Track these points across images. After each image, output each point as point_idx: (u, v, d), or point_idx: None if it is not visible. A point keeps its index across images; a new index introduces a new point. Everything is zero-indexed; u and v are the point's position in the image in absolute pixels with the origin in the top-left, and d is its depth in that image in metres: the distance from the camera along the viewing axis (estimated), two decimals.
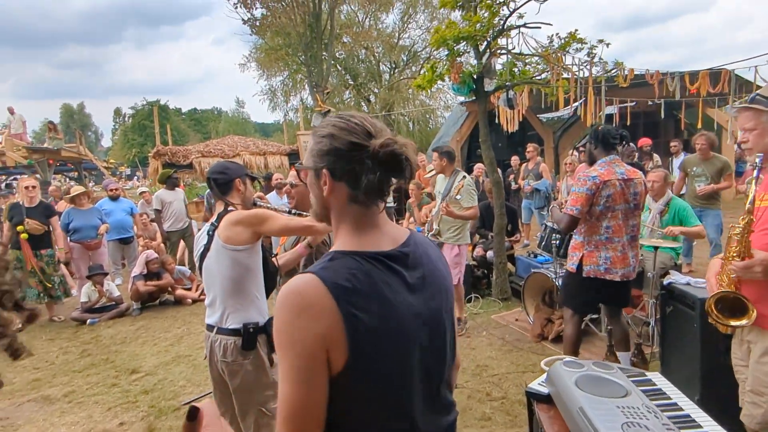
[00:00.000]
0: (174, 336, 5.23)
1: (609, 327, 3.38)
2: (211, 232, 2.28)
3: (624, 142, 3.44)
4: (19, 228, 5.65)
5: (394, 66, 25.55)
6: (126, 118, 54.73)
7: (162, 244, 7.88)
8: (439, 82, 5.37)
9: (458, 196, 4.35)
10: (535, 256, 5.41)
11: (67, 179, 19.91)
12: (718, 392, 2.49)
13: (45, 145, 15.12)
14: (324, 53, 16.05)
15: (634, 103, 10.53)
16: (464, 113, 14.15)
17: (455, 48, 4.81)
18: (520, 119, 9.70)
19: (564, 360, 1.80)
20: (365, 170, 0.98)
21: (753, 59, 7.81)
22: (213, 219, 2.33)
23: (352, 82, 24.82)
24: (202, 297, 6.39)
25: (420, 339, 1.01)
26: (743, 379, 2.07)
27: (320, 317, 0.90)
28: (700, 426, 1.50)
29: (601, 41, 4.84)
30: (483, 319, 5.01)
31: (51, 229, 5.99)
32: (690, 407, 1.59)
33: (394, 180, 1.02)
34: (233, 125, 46.68)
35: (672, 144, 8.06)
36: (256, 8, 15.86)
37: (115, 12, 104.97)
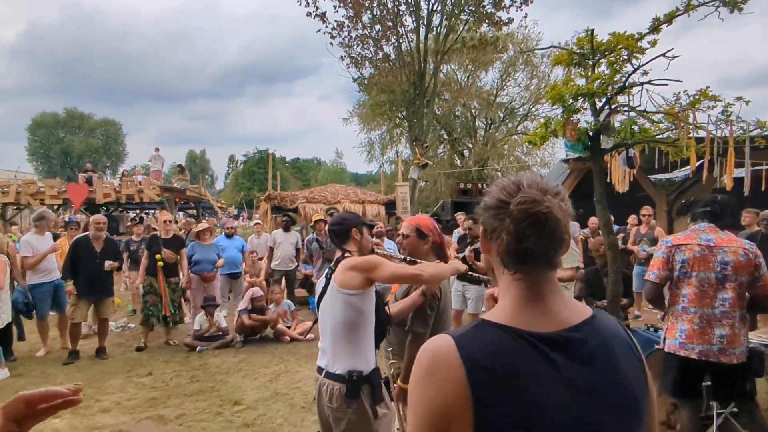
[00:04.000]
0: (272, 372, 5.39)
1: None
2: (329, 276, 2.37)
3: (724, 211, 3.08)
4: (157, 257, 6.31)
5: (490, 122, 25.72)
6: (238, 164, 60.27)
7: (264, 281, 8.34)
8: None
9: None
10: (656, 330, 4.88)
11: (188, 216, 22.09)
12: None
13: (174, 185, 17.04)
14: (425, 109, 16.61)
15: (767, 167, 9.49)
16: (566, 170, 13.67)
17: (571, 104, 4.72)
18: (632, 179, 9.15)
19: None
20: (504, 230, 0.90)
21: None
22: (332, 264, 2.43)
23: (446, 137, 25.29)
24: (300, 337, 6.58)
25: None
26: None
27: (445, 387, 0.84)
28: None
29: (739, 98, 4.47)
30: None
31: (179, 258, 6.62)
32: None
33: (536, 244, 0.88)
34: (331, 174, 49.51)
35: None
36: (366, 68, 16.99)
37: (240, 72, 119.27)
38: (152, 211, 21.20)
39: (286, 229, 8.00)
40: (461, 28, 16.79)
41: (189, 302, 7.63)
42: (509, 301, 0.92)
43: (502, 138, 24.46)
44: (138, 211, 21.10)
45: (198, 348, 6.26)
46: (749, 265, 2.79)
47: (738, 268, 2.78)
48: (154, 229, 8.51)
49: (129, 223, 16.05)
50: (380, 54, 16.38)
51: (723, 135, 4.88)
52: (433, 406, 0.85)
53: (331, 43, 16.39)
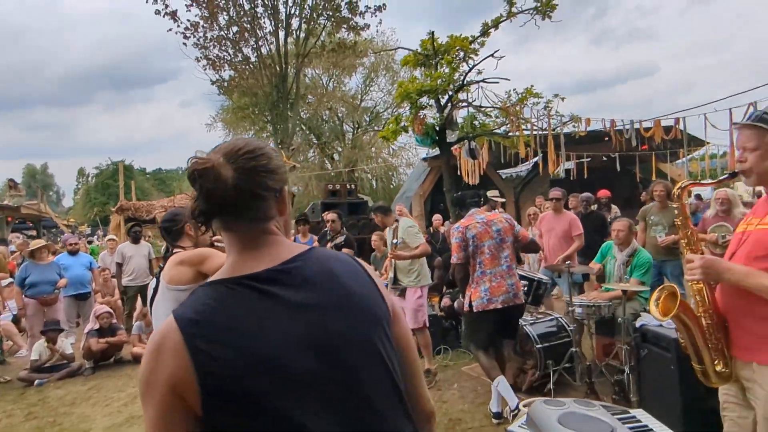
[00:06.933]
0: (128, 395, 4.92)
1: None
2: (158, 275, 2.23)
3: (482, 200, 4.14)
4: None
5: (357, 126, 26.46)
6: (90, 178, 53.43)
7: (119, 301, 7.55)
8: (401, 140, 5.65)
9: (395, 241, 4.59)
10: None
11: (25, 237, 19.02)
12: None
13: (5, 202, 14.62)
14: (289, 113, 16.49)
15: (589, 159, 11.25)
16: (426, 169, 14.64)
17: (418, 101, 5.10)
18: (481, 173, 10.14)
19: (544, 399, 1.79)
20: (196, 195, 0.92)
21: (701, 107, 8.78)
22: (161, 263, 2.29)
23: (316, 141, 25.43)
24: None
25: (305, 366, 0.87)
26: (733, 418, 1.89)
27: (169, 357, 0.82)
28: None
29: (556, 95, 5.26)
30: (453, 371, 4.89)
31: None
32: None
33: (205, 200, 0.91)
34: None
35: (643, 193, 8.01)
36: (225, 70, 16.33)
37: (87, 76, 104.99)
38: None
39: (135, 241, 7.28)
40: (321, 32, 17.01)
41: (25, 332, 6.60)
42: (229, 259, 0.96)
43: (369, 140, 25.32)
44: None
45: (36, 382, 5.42)
46: (511, 228, 3.84)
47: (505, 231, 3.78)
48: None
49: None
50: (239, 56, 15.88)
51: (544, 127, 5.69)
52: (160, 383, 0.82)
53: (184, 44, 15.47)
